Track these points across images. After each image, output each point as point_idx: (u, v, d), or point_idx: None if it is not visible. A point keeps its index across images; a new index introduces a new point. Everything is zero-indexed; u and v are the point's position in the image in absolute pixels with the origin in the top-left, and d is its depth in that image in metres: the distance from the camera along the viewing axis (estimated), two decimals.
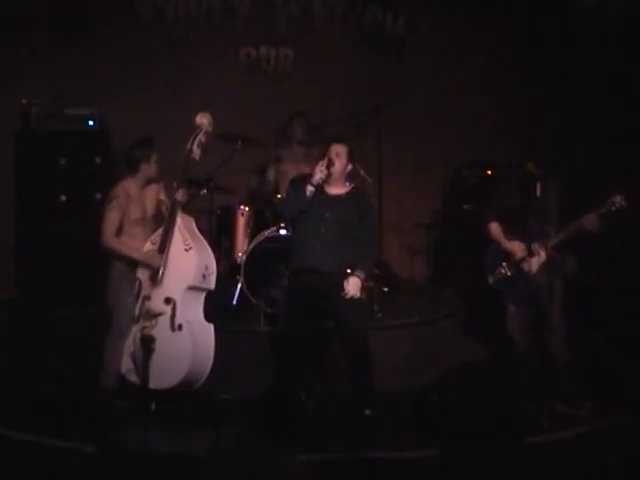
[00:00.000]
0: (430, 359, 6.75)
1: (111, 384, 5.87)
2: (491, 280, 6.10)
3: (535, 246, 5.92)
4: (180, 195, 5.97)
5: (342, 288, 5.79)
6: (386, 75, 8.56)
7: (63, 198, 7.36)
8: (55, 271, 7.26)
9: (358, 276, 5.84)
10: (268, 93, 8.34)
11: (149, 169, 6.02)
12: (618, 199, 5.65)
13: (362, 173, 7.23)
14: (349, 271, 5.84)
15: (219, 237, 7.29)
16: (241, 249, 7.16)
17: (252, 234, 7.17)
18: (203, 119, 6.02)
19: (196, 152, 5.99)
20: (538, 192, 5.98)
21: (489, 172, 8.15)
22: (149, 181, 6.07)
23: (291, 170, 7.44)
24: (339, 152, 5.96)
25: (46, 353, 6.67)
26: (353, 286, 5.81)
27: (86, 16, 7.92)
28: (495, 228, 6.07)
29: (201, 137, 6.01)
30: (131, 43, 8.16)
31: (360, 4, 8.58)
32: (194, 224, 6.09)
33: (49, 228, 7.33)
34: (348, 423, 5.81)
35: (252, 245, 6.96)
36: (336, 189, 6.03)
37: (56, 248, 7.29)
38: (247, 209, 7.29)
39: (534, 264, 5.93)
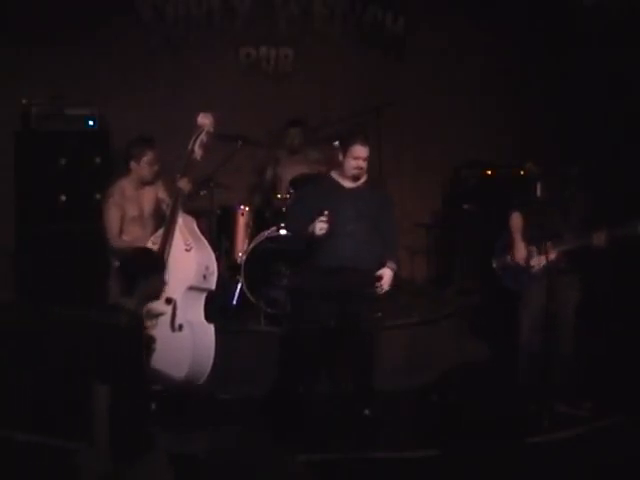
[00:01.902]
0: (430, 359, 6.75)
1: None
2: (495, 264, 6.16)
3: (546, 246, 5.93)
4: (184, 183, 5.94)
5: (371, 283, 5.71)
6: (386, 75, 8.55)
7: (63, 198, 7.37)
8: (55, 271, 7.26)
9: (392, 268, 5.79)
10: (268, 93, 8.33)
11: (139, 169, 6.03)
12: (597, 238, 5.68)
13: None
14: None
15: (219, 237, 7.29)
16: (241, 249, 7.17)
17: (252, 234, 7.18)
18: (205, 119, 6.01)
19: (197, 152, 5.99)
20: (538, 192, 6.00)
21: (489, 172, 8.15)
22: (144, 182, 6.08)
23: (289, 171, 7.44)
24: (366, 157, 5.75)
25: (46, 353, 6.67)
26: (388, 279, 5.76)
27: (86, 16, 7.92)
28: (515, 218, 6.13)
29: (203, 137, 6.00)
30: (131, 43, 8.15)
31: (360, 4, 8.57)
32: (195, 224, 6.09)
33: (49, 228, 7.32)
34: (348, 423, 5.81)
35: (252, 245, 6.97)
36: (351, 182, 5.85)
37: (56, 248, 7.30)
38: (247, 209, 7.30)
39: (538, 263, 5.95)
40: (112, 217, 5.92)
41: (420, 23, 8.59)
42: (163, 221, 5.98)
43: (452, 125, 8.49)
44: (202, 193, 7.21)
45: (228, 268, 7.18)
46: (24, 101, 7.40)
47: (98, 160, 7.42)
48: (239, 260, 7.07)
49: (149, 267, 4.41)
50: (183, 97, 7.99)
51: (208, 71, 8.25)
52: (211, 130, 6.02)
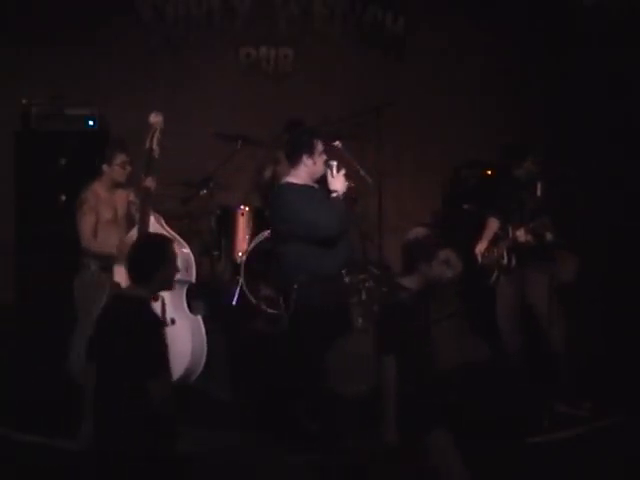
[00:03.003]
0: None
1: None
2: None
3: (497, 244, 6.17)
4: (149, 182, 5.99)
5: None
6: (386, 75, 8.55)
7: (63, 198, 7.37)
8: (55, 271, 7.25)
9: None
10: (268, 93, 8.33)
11: (110, 171, 6.14)
12: (519, 234, 5.88)
13: (362, 173, 7.23)
14: None
15: (219, 237, 7.29)
16: (241, 249, 7.17)
17: (252, 234, 7.18)
18: (156, 118, 6.11)
19: (156, 150, 6.08)
20: (538, 192, 6.02)
21: (489, 172, 8.14)
22: (117, 185, 6.13)
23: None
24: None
25: (46, 354, 6.66)
26: None
27: (86, 16, 7.92)
28: (491, 222, 6.30)
29: (158, 135, 6.07)
30: (131, 43, 8.16)
31: (360, 4, 8.57)
32: (163, 221, 6.12)
33: (49, 228, 7.32)
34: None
35: (252, 245, 6.97)
36: (315, 183, 5.74)
37: (56, 248, 7.29)
38: (247, 209, 7.30)
39: (489, 260, 6.25)
40: (87, 222, 6.03)
41: (420, 23, 8.58)
42: (134, 223, 6.01)
43: (452, 125, 8.49)
44: (202, 193, 7.22)
45: (228, 268, 7.18)
46: (24, 101, 7.40)
47: (98, 160, 7.41)
48: (239, 260, 7.07)
49: (431, 251, 4.56)
50: (183, 97, 7.99)
51: (208, 71, 8.26)
52: (162, 127, 6.08)
